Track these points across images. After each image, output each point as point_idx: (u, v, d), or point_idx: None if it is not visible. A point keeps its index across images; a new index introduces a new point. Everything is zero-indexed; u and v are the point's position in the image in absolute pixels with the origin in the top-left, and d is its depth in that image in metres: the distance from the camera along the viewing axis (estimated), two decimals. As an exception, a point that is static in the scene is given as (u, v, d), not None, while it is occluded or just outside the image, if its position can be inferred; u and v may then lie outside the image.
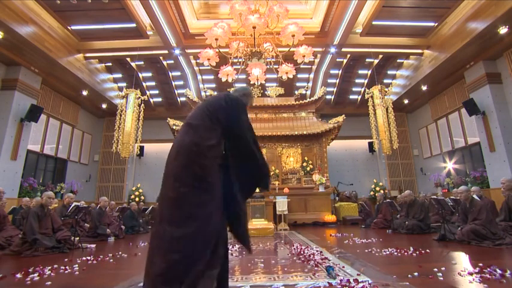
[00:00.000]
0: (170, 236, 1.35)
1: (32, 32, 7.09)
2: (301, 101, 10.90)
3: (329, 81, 11.05)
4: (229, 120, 1.65)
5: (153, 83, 11.39)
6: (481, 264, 2.73)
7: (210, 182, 1.53)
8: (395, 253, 3.68)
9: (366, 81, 11.20)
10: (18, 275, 2.75)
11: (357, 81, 11.41)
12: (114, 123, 8.86)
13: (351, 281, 2.35)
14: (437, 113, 10.86)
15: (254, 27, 4.83)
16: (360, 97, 12.02)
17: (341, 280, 2.39)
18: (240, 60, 5.56)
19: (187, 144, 1.55)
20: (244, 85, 2.46)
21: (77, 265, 3.21)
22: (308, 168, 9.93)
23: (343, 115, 10.09)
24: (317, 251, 3.89)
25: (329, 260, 3.25)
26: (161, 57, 9.59)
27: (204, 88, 11.73)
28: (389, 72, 10.90)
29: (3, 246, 4.47)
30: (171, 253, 1.34)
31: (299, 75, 11.14)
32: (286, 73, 5.57)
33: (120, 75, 11.02)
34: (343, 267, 2.91)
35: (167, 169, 1.61)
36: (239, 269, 3.06)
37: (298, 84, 11.70)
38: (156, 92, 11.79)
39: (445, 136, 10.62)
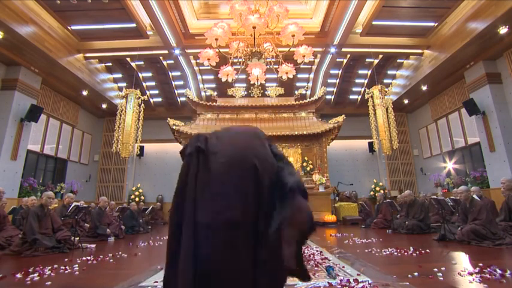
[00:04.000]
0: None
1: (32, 32, 7.09)
2: (301, 101, 10.90)
3: (329, 81, 11.05)
4: None
5: (153, 83, 11.39)
6: (481, 264, 2.73)
7: None
8: (395, 253, 3.68)
9: (366, 81, 11.20)
10: (18, 275, 2.75)
11: (357, 81, 11.41)
12: (114, 123, 8.86)
13: (351, 281, 2.35)
14: (437, 113, 10.86)
15: (254, 27, 4.82)
16: (360, 97, 12.01)
17: (341, 280, 2.39)
18: (240, 60, 5.55)
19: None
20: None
21: (77, 265, 3.21)
22: (308, 168, 9.93)
23: (343, 115, 10.08)
24: (317, 251, 3.89)
25: (329, 260, 3.25)
26: (161, 57, 9.59)
27: (204, 88, 11.73)
28: (389, 72, 10.90)
29: (3, 246, 4.47)
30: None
31: (299, 75, 11.13)
32: (286, 73, 5.56)
33: (120, 75, 11.02)
34: (343, 267, 2.91)
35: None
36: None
37: (298, 84, 11.70)
38: (156, 92, 11.79)
39: (445, 136, 10.61)
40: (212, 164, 1.03)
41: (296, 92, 11.05)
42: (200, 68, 10.67)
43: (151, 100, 11.96)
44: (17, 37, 6.84)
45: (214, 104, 10.92)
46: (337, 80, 11.23)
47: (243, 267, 0.97)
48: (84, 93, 10.08)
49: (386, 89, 8.80)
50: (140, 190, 11.96)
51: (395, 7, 7.48)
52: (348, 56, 9.65)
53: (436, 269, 2.64)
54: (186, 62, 9.69)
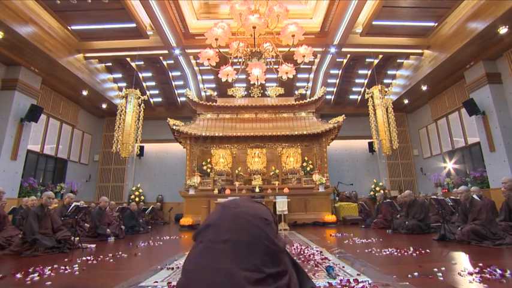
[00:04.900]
0: None
1: (32, 32, 7.09)
2: (301, 101, 10.90)
3: (329, 81, 11.05)
4: None
5: (153, 83, 11.39)
6: (481, 264, 2.73)
7: None
8: (395, 253, 3.68)
9: (366, 81, 11.20)
10: (18, 275, 2.74)
11: (357, 81, 11.41)
12: (114, 123, 8.85)
13: (351, 281, 2.34)
14: (437, 113, 10.86)
15: (254, 27, 4.81)
16: (360, 97, 12.02)
17: (341, 280, 2.39)
18: (240, 60, 5.55)
19: None
20: None
21: (77, 265, 3.21)
22: (308, 168, 9.92)
23: (343, 115, 10.08)
24: (317, 251, 3.89)
25: (329, 260, 3.25)
26: (161, 57, 9.59)
27: (204, 88, 11.72)
28: (389, 72, 10.90)
29: (3, 246, 4.47)
30: None
31: (299, 75, 11.14)
32: (286, 73, 5.55)
33: (120, 75, 11.02)
34: (343, 267, 2.91)
35: None
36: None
37: (298, 84, 11.70)
38: (156, 92, 11.79)
39: (445, 136, 10.62)
40: (214, 250, 1.17)
41: (296, 92, 11.05)
42: (200, 68, 10.68)
43: (151, 100, 11.96)
44: (17, 37, 6.84)
45: (214, 104, 10.93)
46: (337, 80, 11.23)
47: None
48: (84, 93, 10.08)
49: (386, 89, 8.79)
50: (140, 190, 11.96)
51: (395, 7, 7.48)
52: (348, 56, 9.65)
53: (436, 269, 2.63)
54: (186, 62, 9.69)
